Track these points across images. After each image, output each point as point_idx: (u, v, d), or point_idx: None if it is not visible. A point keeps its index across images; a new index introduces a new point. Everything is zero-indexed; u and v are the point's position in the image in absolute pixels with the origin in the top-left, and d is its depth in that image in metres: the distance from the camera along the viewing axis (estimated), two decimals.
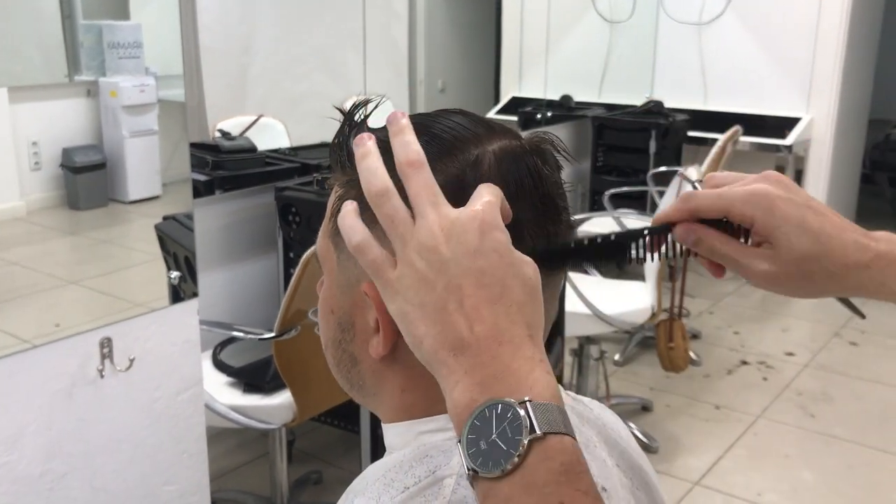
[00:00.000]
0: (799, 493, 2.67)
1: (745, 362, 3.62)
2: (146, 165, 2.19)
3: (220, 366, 2.33)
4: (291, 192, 2.65)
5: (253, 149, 2.94)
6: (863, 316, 0.70)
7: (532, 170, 0.63)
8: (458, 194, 0.60)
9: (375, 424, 1.79)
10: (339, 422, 2.80)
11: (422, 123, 0.64)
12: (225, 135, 2.93)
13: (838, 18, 4.35)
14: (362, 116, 0.67)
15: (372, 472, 0.68)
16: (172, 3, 2.10)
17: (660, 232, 0.62)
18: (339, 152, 0.66)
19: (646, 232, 0.62)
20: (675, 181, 3.18)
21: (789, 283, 0.60)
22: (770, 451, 2.92)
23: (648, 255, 0.63)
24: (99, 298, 1.93)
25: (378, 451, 1.81)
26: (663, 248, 0.63)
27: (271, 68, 4.13)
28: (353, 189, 0.64)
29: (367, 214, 0.60)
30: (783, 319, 4.15)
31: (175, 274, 1.77)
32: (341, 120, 0.68)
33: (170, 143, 2.32)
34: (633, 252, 0.63)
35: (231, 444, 2.83)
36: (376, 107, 0.69)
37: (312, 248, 2.04)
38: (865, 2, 4.60)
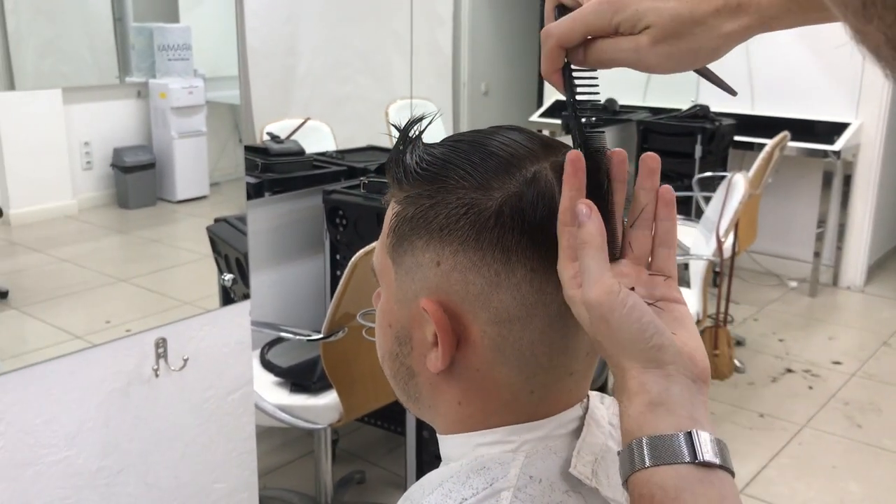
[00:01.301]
0: None
1: (790, 370, 3.58)
2: (194, 166, 2.23)
3: (267, 365, 2.37)
4: (339, 195, 2.68)
5: (301, 152, 2.98)
6: (734, 93, 0.69)
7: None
8: (516, 212, 0.62)
9: (421, 427, 1.82)
10: (383, 422, 2.83)
11: (477, 141, 0.66)
12: (274, 138, 2.98)
13: None
14: (417, 132, 0.69)
15: (429, 482, 0.70)
16: (221, 6, 2.14)
17: (570, 87, 0.65)
18: (396, 169, 0.67)
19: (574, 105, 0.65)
20: (723, 186, 3.16)
21: (678, 44, 0.60)
22: (815, 461, 2.89)
23: (575, 97, 0.65)
24: (147, 296, 1.97)
25: (422, 453, 1.83)
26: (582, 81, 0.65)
27: (316, 71, 4.17)
28: (411, 207, 0.66)
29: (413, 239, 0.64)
30: (829, 327, 4.09)
31: (229, 276, 1.81)
32: (397, 136, 0.70)
33: (217, 145, 2.36)
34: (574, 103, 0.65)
35: (276, 442, 2.87)
36: (430, 122, 0.71)
37: (361, 252, 2.08)
38: None
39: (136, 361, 1.57)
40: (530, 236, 0.61)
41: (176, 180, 2.18)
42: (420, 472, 1.84)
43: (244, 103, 2.99)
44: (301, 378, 2.30)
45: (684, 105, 4.73)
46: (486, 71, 5.75)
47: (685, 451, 0.53)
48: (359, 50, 4.35)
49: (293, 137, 3.15)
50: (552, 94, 5.34)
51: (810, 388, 3.43)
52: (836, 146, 4.31)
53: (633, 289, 0.60)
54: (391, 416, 2.72)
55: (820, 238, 4.55)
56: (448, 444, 0.69)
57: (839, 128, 4.41)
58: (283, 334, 2.28)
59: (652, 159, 0.64)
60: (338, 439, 2.86)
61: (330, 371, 2.16)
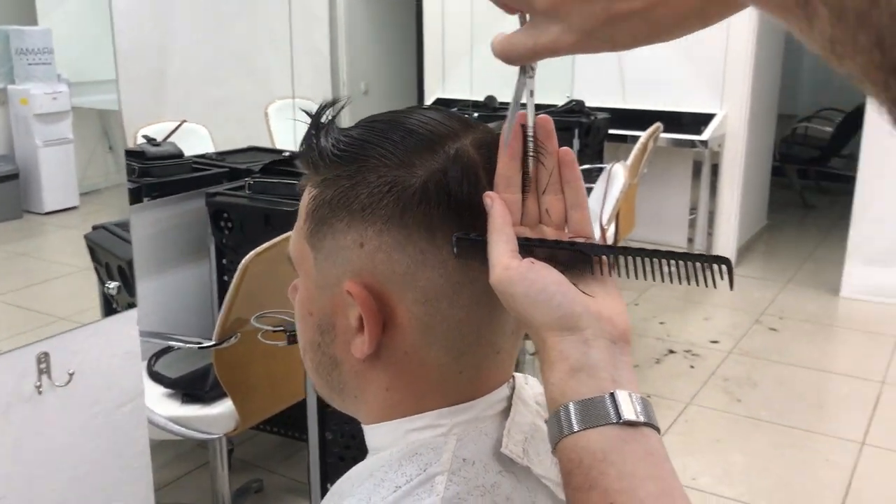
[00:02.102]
0: (731, 476, 2.77)
1: (672, 351, 3.73)
2: (62, 175, 2.13)
3: (155, 377, 2.28)
4: (222, 198, 2.60)
5: (180, 154, 2.88)
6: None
7: None
8: (441, 188, 0.61)
9: (324, 429, 1.78)
10: (279, 428, 2.77)
11: (394, 120, 0.65)
12: (150, 141, 2.87)
13: (748, 16, 4.51)
14: (329, 117, 0.68)
15: (358, 473, 0.68)
16: (83, 7, 2.04)
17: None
18: (311, 152, 0.66)
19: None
20: (603, 177, 3.25)
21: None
22: (701, 436, 3.02)
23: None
24: (20, 313, 1.86)
25: (326, 455, 1.80)
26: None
27: (189, 73, 4.05)
28: (329, 189, 0.64)
29: (338, 220, 0.62)
30: (705, 309, 4.28)
31: (113, 284, 1.73)
32: (308, 122, 0.69)
33: (86, 152, 2.26)
34: None
35: (168, 456, 2.77)
36: (342, 107, 0.70)
37: (251, 254, 2.02)
38: None
39: (16, 379, 1.47)
40: (456, 212, 0.61)
41: (43, 191, 2.07)
42: (324, 476, 1.81)
43: (121, 108, 2.86)
44: (193, 388, 2.22)
45: (560, 101, 4.85)
46: (366, 70, 5.73)
47: (609, 412, 0.54)
48: (233, 50, 4.25)
49: (170, 140, 3.04)
50: (433, 93, 5.38)
51: (692, 367, 3.58)
52: (704, 136, 4.52)
53: (572, 240, 0.61)
54: (288, 422, 2.67)
55: (692, 224, 4.76)
56: (376, 433, 0.68)
57: (705, 118, 4.62)
58: (173, 343, 2.20)
59: (547, 121, 0.63)
60: (233, 448, 2.77)
61: (223, 379, 2.10)
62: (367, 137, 0.64)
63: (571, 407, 0.55)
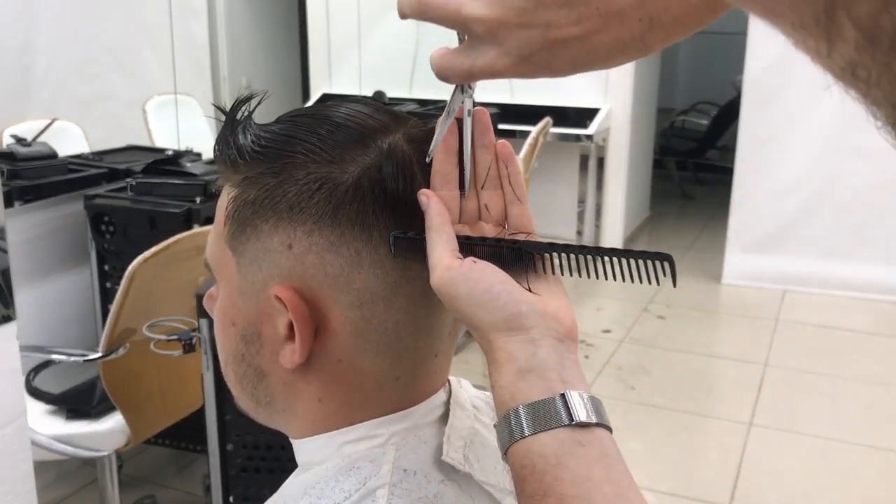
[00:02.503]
0: (631, 462, 2.74)
1: None
2: None
3: (35, 393, 2.13)
4: (103, 200, 2.46)
5: (53, 155, 2.70)
6: None
7: None
8: (376, 184, 0.57)
9: (224, 439, 1.70)
10: (170, 440, 2.64)
11: (320, 114, 0.61)
12: (20, 140, 2.68)
13: None
14: (245, 113, 0.63)
15: (290, 492, 0.64)
16: None
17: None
18: (228, 150, 0.61)
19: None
20: None
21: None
22: None
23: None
24: None
25: (227, 467, 1.72)
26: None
27: (58, 69, 3.85)
28: (252, 188, 0.59)
29: (260, 221, 0.58)
30: (596, 299, 4.37)
31: None
32: (223, 118, 0.64)
33: None
34: None
35: (50, 476, 2.60)
36: (259, 102, 0.65)
37: (139, 259, 1.91)
38: None
39: None
40: (392, 209, 0.58)
41: None
42: (226, 488, 1.73)
43: None
44: (78, 403, 2.09)
45: (449, 96, 4.84)
46: (247, 64, 5.58)
47: (561, 414, 0.52)
48: (106, 45, 4.06)
49: (40, 140, 2.86)
50: (320, 88, 5.29)
51: (586, 356, 3.64)
52: (590, 130, 4.62)
53: (511, 237, 0.59)
54: (180, 434, 2.54)
55: (581, 217, 4.85)
56: (307, 447, 0.64)
57: (591, 113, 4.72)
58: (54, 356, 2.05)
59: (483, 114, 0.61)
60: (122, 464, 2.63)
61: (112, 392, 1.98)
62: (291, 132, 0.60)
63: (521, 410, 0.52)
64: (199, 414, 2.34)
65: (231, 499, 1.74)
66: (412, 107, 4.74)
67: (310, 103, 5.19)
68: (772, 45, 3.78)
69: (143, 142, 3.49)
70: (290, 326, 0.58)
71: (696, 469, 2.85)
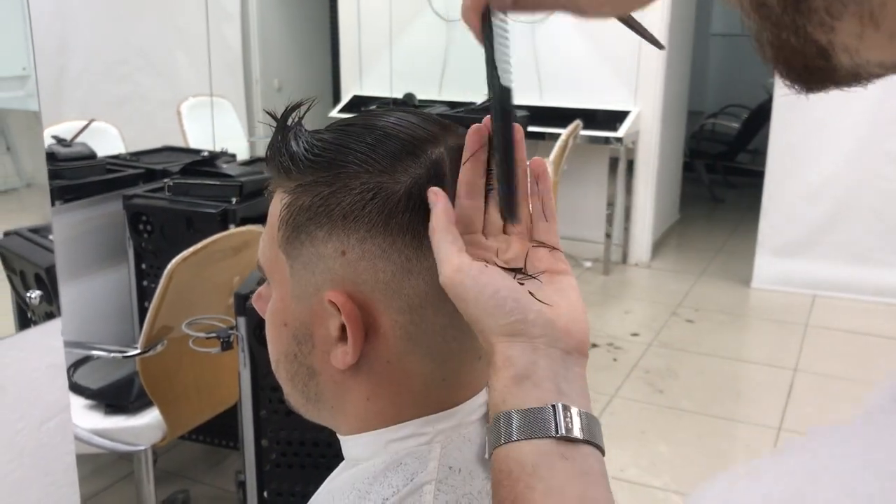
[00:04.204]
0: (657, 466, 2.83)
1: (594, 345, 3.79)
2: None
3: (75, 388, 2.18)
4: (141, 200, 2.51)
5: (92, 155, 2.77)
6: (661, 46, 0.67)
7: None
8: (424, 193, 0.59)
9: (259, 436, 1.74)
10: (205, 437, 2.69)
11: (370, 124, 0.63)
12: (60, 141, 2.74)
13: (660, 15, 4.62)
14: (296, 119, 0.65)
15: (338, 487, 0.66)
16: None
17: (487, 31, 0.58)
18: (281, 157, 0.64)
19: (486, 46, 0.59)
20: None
21: None
22: (627, 427, 3.08)
23: (493, 48, 0.59)
24: None
25: (262, 463, 1.75)
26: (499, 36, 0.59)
27: (92, 70, 3.91)
28: (306, 196, 0.62)
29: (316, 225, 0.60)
30: (624, 302, 4.37)
31: (36, 293, 1.64)
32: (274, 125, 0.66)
33: None
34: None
35: (87, 469, 2.65)
36: (308, 109, 0.67)
37: (178, 259, 1.95)
38: (681, 1, 4.92)
39: None
40: None
41: None
42: (261, 483, 1.76)
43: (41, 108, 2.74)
44: (116, 398, 2.14)
45: (479, 98, 4.87)
46: (279, 67, 5.64)
47: (549, 424, 0.52)
48: (139, 47, 4.12)
49: (80, 140, 2.92)
50: (350, 90, 5.33)
51: (614, 360, 3.64)
52: (619, 133, 4.61)
53: (522, 270, 0.60)
54: (213, 430, 2.59)
55: (609, 219, 4.85)
56: (355, 443, 0.66)
57: (620, 116, 4.71)
58: (96, 353, 2.10)
59: (518, 131, 0.62)
60: (156, 459, 2.68)
61: (150, 388, 2.02)
62: (343, 142, 0.62)
63: (513, 415, 0.53)
64: (232, 411, 2.38)
65: (265, 494, 1.77)
66: (442, 109, 4.77)
67: (340, 105, 5.24)
68: None
69: (175, 142, 3.54)
70: (342, 329, 0.61)
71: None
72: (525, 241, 0.63)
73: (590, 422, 0.54)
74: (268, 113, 0.68)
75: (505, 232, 0.63)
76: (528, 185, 0.63)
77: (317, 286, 0.62)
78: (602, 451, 0.54)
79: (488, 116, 0.61)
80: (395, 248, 0.59)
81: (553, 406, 0.53)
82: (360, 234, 0.60)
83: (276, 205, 0.64)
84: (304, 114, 0.66)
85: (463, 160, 0.60)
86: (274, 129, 0.66)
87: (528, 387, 0.54)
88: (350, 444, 0.67)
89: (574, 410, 0.53)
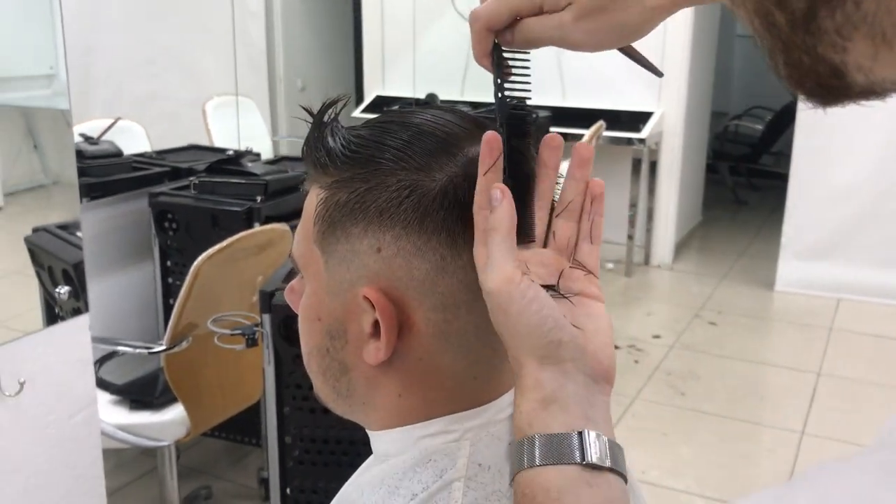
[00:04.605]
0: (679, 468, 2.82)
1: (616, 347, 3.77)
2: None
3: (101, 383, 2.20)
4: (166, 198, 2.54)
5: (119, 153, 2.80)
6: (660, 74, 0.68)
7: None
8: (462, 193, 0.59)
9: (283, 433, 1.75)
10: (225, 433, 2.71)
11: (407, 121, 0.63)
12: (88, 139, 2.77)
13: (683, 18, 4.60)
14: (332, 115, 0.66)
15: (367, 481, 0.66)
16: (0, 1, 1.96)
17: (501, 69, 0.60)
18: (318, 153, 0.63)
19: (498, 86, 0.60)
20: None
21: (602, 18, 0.55)
22: (648, 430, 3.06)
23: (503, 79, 0.60)
24: None
25: (285, 460, 1.76)
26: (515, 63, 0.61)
27: (118, 69, 3.94)
28: (342, 192, 0.62)
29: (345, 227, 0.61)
30: (646, 304, 4.35)
31: (65, 289, 1.66)
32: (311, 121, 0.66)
33: (11, 151, 2.18)
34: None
35: (109, 465, 2.67)
36: (345, 105, 0.68)
37: (203, 256, 1.97)
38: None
39: None
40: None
41: None
42: (284, 480, 1.77)
43: (71, 106, 2.77)
44: (141, 394, 2.16)
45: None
46: (303, 66, 5.66)
47: (574, 451, 0.52)
48: (165, 46, 4.15)
49: (106, 138, 2.95)
50: (373, 89, 5.34)
51: (636, 362, 3.63)
52: (642, 134, 4.59)
53: (555, 288, 0.59)
54: (235, 426, 2.61)
55: (632, 221, 4.83)
56: (385, 439, 0.66)
57: (643, 116, 4.70)
58: (122, 348, 2.12)
59: (585, 149, 0.62)
60: (179, 455, 2.70)
61: (175, 384, 2.04)
62: (380, 138, 0.62)
63: (536, 439, 0.53)
64: (254, 408, 2.40)
65: (288, 490, 1.78)
66: (465, 109, 4.77)
67: (363, 105, 5.25)
68: None
69: (199, 140, 3.57)
70: (376, 325, 0.61)
71: (746, 476, 2.83)
72: (562, 257, 0.62)
73: (614, 450, 0.53)
74: (304, 109, 0.68)
75: (545, 245, 0.62)
76: (582, 203, 0.62)
77: (351, 282, 0.62)
78: (625, 480, 0.54)
79: (553, 135, 0.62)
80: (430, 246, 0.59)
81: (580, 433, 0.53)
82: (395, 232, 0.60)
83: (312, 200, 0.64)
84: (340, 110, 0.66)
85: (480, 172, 0.58)
86: (310, 126, 0.66)
87: (555, 411, 0.54)
88: (379, 440, 0.67)
89: (599, 438, 0.53)
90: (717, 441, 3.02)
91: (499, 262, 0.55)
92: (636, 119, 4.68)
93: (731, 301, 4.38)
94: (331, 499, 0.70)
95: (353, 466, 1.84)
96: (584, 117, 4.43)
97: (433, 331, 0.61)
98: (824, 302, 4.31)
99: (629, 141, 4.65)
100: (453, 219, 0.59)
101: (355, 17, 5.75)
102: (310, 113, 0.66)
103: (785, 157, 5.49)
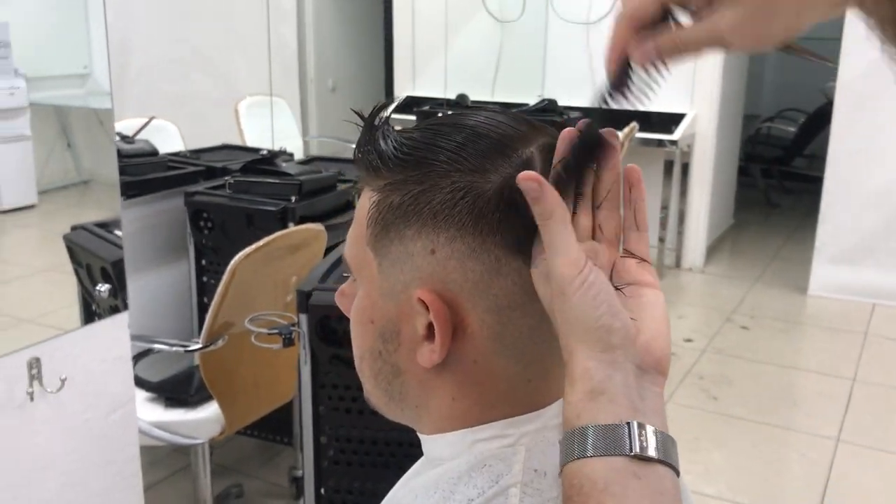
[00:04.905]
0: (711, 473, 2.79)
1: None
2: (19, 173, 2.07)
3: (136, 381, 2.21)
4: (202, 197, 2.55)
5: (155, 152, 2.82)
6: (833, 63, 0.66)
7: None
8: (517, 194, 0.59)
9: (319, 432, 1.75)
10: (259, 432, 2.72)
11: (460, 123, 0.63)
12: (124, 138, 2.80)
13: None
14: (383, 120, 0.65)
15: (421, 485, 0.66)
16: (37, 1, 1.99)
17: (623, 79, 0.57)
18: (370, 156, 0.63)
19: (608, 92, 0.59)
20: None
21: (763, 16, 0.52)
22: (680, 434, 3.00)
23: (630, 99, 0.59)
24: None
25: (320, 460, 1.77)
26: (635, 86, 0.58)
27: (150, 68, 3.98)
28: (396, 194, 0.62)
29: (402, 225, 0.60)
30: (678, 307, 4.32)
31: (105, 287, 1.67)
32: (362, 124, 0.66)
33: (44, 149, 2.21)
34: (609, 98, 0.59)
35: (143, 461, 2.69)
36: (395, 107, 0.67)
37: (240, 256, 1.98)
38: None
39: (6, 386, 1.41)
40: (532, 220, 0.59)
41: (0, 188, 2.02)
42: (319, 480, 1.77)
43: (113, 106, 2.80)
44: (176, 392, 2.17)
45: (531, 100, 4.85)
46: (333, 67, 5.69)
47: (623, 442, 0.51)
48: (197, 47, 4.18)
49: (142, 137, 2.97)
50: (404, 90, 5.35)
51: None
52: (675, 136, 4.56)
53: (609, 280, 0.58)
54: (267, 425, 2.62)
55: (663, 223, 4.80)
56: (438, 443, 0.66)
57: (676, 118, 4.66)
58: (158, 346, 2.14)
59: (613, 136, 0.61)
60: (212, 453, 2.72)
61: (210, 382, 2.05)
62: (433, 140, 0.61)
63: (585, 430, 0.52)
64: (285, 407, 2.41)
65: (322, 490, 1.79)
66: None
67: (392, 106, 5.26)
68: (866, 53, 3.68)
69: (230, 140, 3.59)
70: (430, 327, 0.60)
71: (779, 483, 2.80)
72: (614, 249, 0.61)
73: (665, 441, 0.52)
74: (355, 112, 0.68)
75: (593, 238, 0.61)
76: (622, 192, 0.62)
77: (405, 284, 0.61)
78: (677, 472, 0.53)
79: (582, 121, 0.60)
80: (485, 247, 0.59)
81: (628, 424, 0.52)
82: (449, 233, 0.59)
83: (365, 203, 0.64)
84: (391, 113, 0.66)
85: (553, 164, 0.59)
86: (361, 130, 0.66)
87: (603, 402, 0.53)
88: (433, 444, 0.67)
89: (649, 429, 0.52)
90: (750, 446, 2.99)
91: (563, 247, 0.55)
92: (668, 121, 4.65)
93: (764, 305, 4.33)
94: (365, 499, 0.69)
95: (389, 467, 1.84)
96: (615, 119, 4.39)
97: (488, 333, 0.61)
98: (859, 307, 4.25)
99: (661, 143, 4.61)
100: (508, 221, 0.59)
101: (386, 17, 5.76)
102: (360, 116, 0.66)
103: (818, 159, 5.43)
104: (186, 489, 2.48)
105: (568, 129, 0.60)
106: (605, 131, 0.61)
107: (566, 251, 0.55)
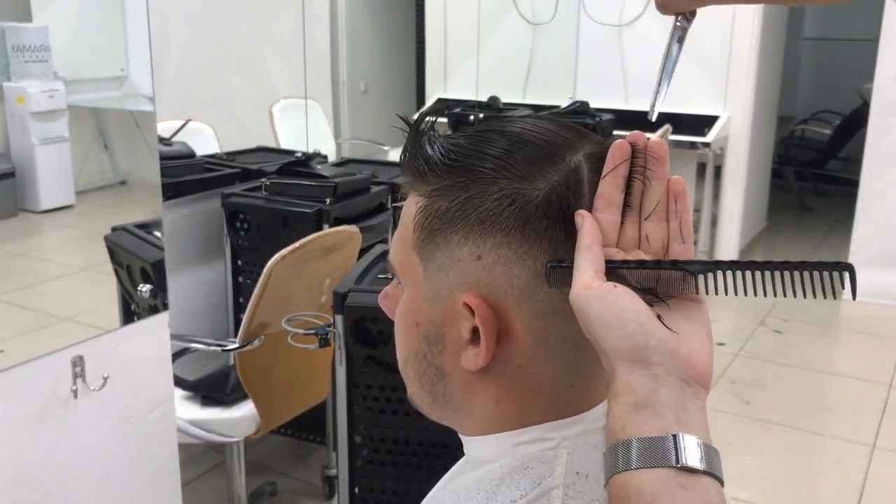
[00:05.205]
0: (745, 478, 2.77)
1: None
2: (58, 174, 2.11)
3: (174, 380, 2.25)
4: (238, 199, 2.59)
5: (192, 154, 2.86)
6: None
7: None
8: (564, 201, 0.60)
9: (353, 432, 1.77)
10: (291, 430, 2.75)
11: (505, 130, 0.64)
12: (161, 140, 2.84)
13: (751, 20, 4.53)
14: (429, 125, 0.66)
15: (463, 486, 0.67)
16: (77, 4, 2.02)
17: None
18: (416, 162, 0.64)
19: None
20: None
21: None
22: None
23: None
24: (18, 314, 1.83)
25: (354, 459, 1.78)
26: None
27: (186, 71, 4.03)
28: (442, 200, 0.62)
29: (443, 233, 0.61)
30: (710, 311, 4.25)
31: (146, 287, 1.71)
32: (407, 130, 0.67)
33: (81, 151, 2.25)
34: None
35: (180, 459, 2.74)
36: (438, 114, 0.68)
37: (277, 257, 2.01)
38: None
39: (52, 383, 1.45)
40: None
41: (39, 189, 2.06)
42: (353, 479, 1.79)
43: (156, 108, 2.85)
44: (213, 390, 2.20)
45: (563, 102, 4.84)
46: (365, 70, 5.72)
47: (669, 454, 0.52)
48: (231, 49, 4.23)
49: (179, 139, 3.02)
50: (435, 92, 5.36)
51: None
52: (708, 138, 4.53)
53: (653, 291, 0.59)
54: (300, 424, 2.65)
55: (696, 226, 4.77)
56: (481, 445, 0.67)
57: (709, 120, 4.63)
58: (196, 345, 2.17)
59: (660, 146, 0.62)
60: (246, 451, 2.75)
61: (246, 381, 2.08)
62: (479, 147, 0.62)
63: (630, 443, 0.53)
64: (319, 406, 2.43)
65: (356, 489, 1.81)
66: (526, 112, 4.77)
67: (425, 107, 5.28)
68: None
69: (265, 142, 3.63)
70: (474, 331, 0.61)
71: (813, 490, 2.78)
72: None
73: (709, 453, 0.53)
74: (400, 117, 0.69)
75: (639, 248, 0.62)
76: (667, 203, 0.62)
77: (450, 288, 0.62)
78: (721, 483, 0.53)
79: (633, 133, 0.61)
80: (531, 254, 0.60)
81: (674, 436, 0.52)
82: (496, 240, 0.60)
83: (411, 208, 0.65)
84: (436, 119, 0.67)
85: (603, 173, 0.60)
86: (406, 135, 0.67)
87: (647, 415, 0.54)
88: (475, 445, 0.68)
89: (694, 441, 0.53)
90: (783, 452, 2.97)
91: (577, 272, 0.57)
92: (701, 123, 4.62)
93: (797, 309, 4.29)
94: (398, 498, 0.71)
95: (422, 467, 1.85)
96: (647, 121, 4.38)
97: (533, 339, 0.62)
98: (894, 311, 4.19)
99: (694, 145, 4.59)
100: (555, 227, 0.60)
101: (418, 20, 5.79)
102: (405, 121, 0.67)
103: (853, 162, 5.37)
104: (221, 487, 2.51)
105: (619, 141, 0.61)
106: (654, 142, 0.62)
107: (580, 275, 0.57)
